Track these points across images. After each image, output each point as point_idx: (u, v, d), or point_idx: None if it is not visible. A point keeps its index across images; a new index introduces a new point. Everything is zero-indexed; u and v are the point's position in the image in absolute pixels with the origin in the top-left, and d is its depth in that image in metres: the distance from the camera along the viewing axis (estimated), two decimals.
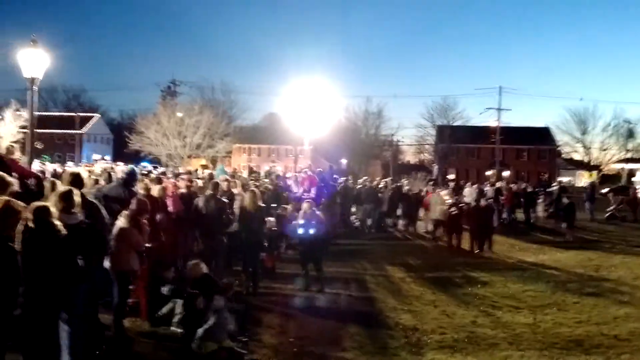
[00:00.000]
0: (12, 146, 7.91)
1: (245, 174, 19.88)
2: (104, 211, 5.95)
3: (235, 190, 11.47)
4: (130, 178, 8.20)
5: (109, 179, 9.78)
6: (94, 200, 6.05)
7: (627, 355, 6.75)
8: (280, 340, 6.96)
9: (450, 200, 16.14)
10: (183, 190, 10.28)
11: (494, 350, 6.86)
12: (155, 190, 8.64)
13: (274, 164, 45.66)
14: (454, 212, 15.27)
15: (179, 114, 43.00)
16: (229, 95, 58.38)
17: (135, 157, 39.08)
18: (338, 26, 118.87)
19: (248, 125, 64.92)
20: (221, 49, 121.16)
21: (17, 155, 7.97)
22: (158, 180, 10.12)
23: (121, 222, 6.46)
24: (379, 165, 65.61)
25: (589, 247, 15.97)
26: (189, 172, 18.53)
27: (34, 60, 11.29)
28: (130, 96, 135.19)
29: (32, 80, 11.35)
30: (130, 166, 10.61)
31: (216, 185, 9.49)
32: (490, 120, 53.51)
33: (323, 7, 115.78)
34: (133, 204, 6.65)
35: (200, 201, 9.21)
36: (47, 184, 6.77)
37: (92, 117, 66.67)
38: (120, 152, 47.21)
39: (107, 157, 42.63)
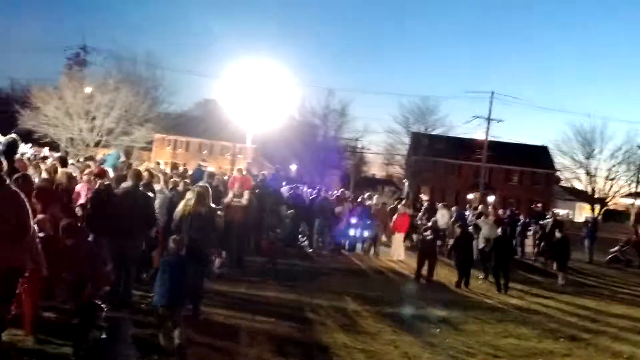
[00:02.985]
0: None
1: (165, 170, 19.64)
2: None
3: (157, 186, 11.42)
4: (9, 148, 8.13)
5: None
6: None
7: None
8: None
9: (425, 224, 16.59)
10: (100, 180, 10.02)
11: None
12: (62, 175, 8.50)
13: (204, 163, 45.44)
14: (428, 237, 15.67)
15: (88, 89, 42.39)
16: (154, 71, 57.74)
17: (27, 139, 38.14)
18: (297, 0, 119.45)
19: (176, 111, 64.30)
20: (148, 13, 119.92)
21: None
22: (62, 162, 10.00)
23: None
24: (338, 176, 66.06)
25: (585, 292, 16.59)
26: (91, 158, 18.28)
27: None
28: (26, 61, 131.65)
29: None
30: (11, 135, 10.40)
31: (138, 175, 9.41)
32: (477, 132, 54.44)
33: None
34: (22, 181, 6.56)
35: (117, 193, 9.10)
36: None
37: None
38: (8, 131, 45.97)
39: None
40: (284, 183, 20.98)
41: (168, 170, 19.72)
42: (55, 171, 8.88)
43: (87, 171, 10.43)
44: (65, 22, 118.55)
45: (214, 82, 59.66)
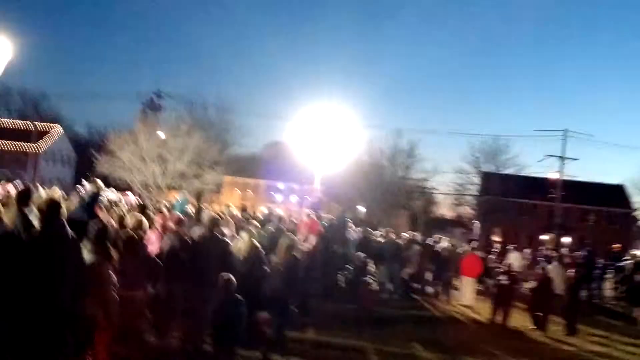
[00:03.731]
0: None
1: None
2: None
3: (226, 231, 11.51)
4: (92, 200, 8.29)
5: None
6: None
7: None
8: None
9: (500, 267, 16.28)
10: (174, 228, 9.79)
11: None
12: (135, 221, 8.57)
13: (273, 204, 45.79)
14: (504, 282, 15.32)
15: (161, 134, 43.48)
16: (224, 115, 58.91)
17: (104, 184, 39.10)
18: (365, 43, 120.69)
19: (245, 154, 65.27)
20: (218, 57, 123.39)
21: None
22: (141, 210, 10.10)
23: (86, 252, 6.47)
24: (406, 216, 65.26)
25: None
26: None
27: None
28: (102, 107, 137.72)
29: None
30: (95, 186, 10.64)
31: (215, 222, 9.52)
32: (550, 172, 53.17)
33: (348, 19, 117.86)
34: (99, 230, 6.69)
35: (193, 240, 9.23)
36: None
37: (52, 129, 67.24)
38: (84, 175, 47.51)
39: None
40: (351, 225, 20.79)
41: (237, 212, 19.96)
42: (122, 218, 8.91)
43: (159, 217, 10.52)
44: (139, 68, 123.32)
45: (282, 124, 60.67)
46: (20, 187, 9.74)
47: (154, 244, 9.31)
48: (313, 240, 14.15)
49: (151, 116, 49.22)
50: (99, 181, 10.14)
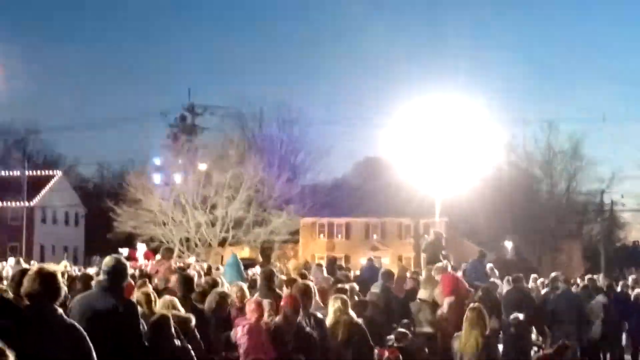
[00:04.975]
0: None
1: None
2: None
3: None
4: (116, 277, 8.19)
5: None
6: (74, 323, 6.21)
7: None
8: None
9: None
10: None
11: None
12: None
13: (375, 252, 45.37)
14: None
15: (203, 166, 43.74)
16: (291, 128, 59.12)
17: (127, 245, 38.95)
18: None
19: (326, 182, 65.11)
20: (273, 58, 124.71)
21: None
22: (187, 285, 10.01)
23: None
24: (579, 250, 63.60)
25: None
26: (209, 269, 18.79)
27: None
28: (116, 138, 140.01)
29: None
30: (114, 256, 10.66)
31: (308, 293, 9.54)
32: None
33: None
34: None
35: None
36: None
37: (48, 176, 68.13)
38: (99, 236, 48.15)
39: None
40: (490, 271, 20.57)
41: (324, 271, 19.82)
42: (149, 298, 9.04)
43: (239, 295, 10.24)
44: (161, 84, 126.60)
45: (376, 132, 59.92)
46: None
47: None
48: (447, 303, 14.04)
49: (185, 141, 49.64)
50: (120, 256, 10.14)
